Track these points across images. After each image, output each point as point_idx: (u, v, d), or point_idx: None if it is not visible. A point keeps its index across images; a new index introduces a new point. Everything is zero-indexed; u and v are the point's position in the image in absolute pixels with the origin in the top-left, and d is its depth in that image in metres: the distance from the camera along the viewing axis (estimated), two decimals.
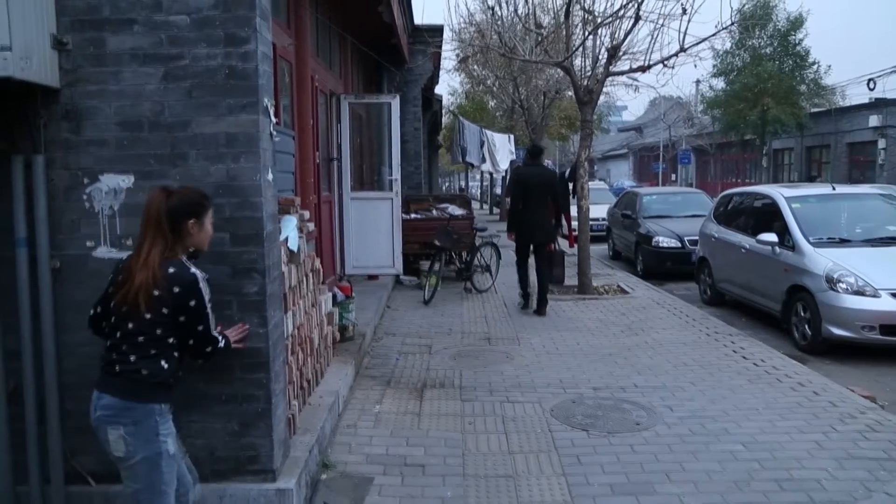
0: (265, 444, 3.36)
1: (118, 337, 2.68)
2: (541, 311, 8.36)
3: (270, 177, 3.44)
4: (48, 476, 3.29)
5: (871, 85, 26.66)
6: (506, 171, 16.61)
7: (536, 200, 8.34)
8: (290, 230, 4.23)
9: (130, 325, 2.65)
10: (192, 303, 2.69)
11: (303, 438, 3.93)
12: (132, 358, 2.65)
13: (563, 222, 9.20)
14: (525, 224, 8.41)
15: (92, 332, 2.88)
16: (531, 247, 8.61)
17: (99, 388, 2.69)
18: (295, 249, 4.28)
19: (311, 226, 5.33)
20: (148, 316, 2.63)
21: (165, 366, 2.70)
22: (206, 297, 2.74)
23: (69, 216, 3.27)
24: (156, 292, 2.62)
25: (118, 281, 2.71)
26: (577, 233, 10.22)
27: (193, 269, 2.73)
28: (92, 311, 2.85)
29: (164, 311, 2.65)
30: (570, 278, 10.61)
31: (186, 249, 2.78)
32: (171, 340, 2.71)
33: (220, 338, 2.86)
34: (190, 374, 3.31)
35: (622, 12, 9.32)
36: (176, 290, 2.65)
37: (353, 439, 4.53)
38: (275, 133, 3.57)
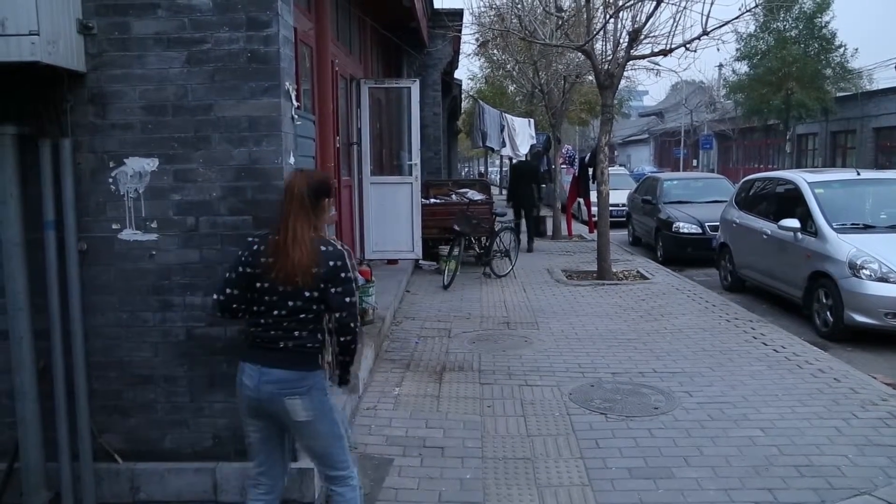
0: None
1: (278, 315, 2.73)
2: (529, 249, 12.71)
3: (292, 160, 3.47)
4: (77, 453, 3.37)
5: None
6: (526, 156, 16.54)
7: (524, 182, 13.14)
8: None
9: (291, 303, 2.71)
10: (344, 275, 2.76)
11: None
12: (297, 333, 2.74)
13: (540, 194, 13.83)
14: (517, 197, 13.26)
15: (220, 315, 2.85)
16: (522, 211, 13.26)
17: (264, 363, 2.73)
18: None
19: (332, 210, 5.35)
20: (307, 293, 2.70)
21: (321, 339, 2.81)
22: (353, 271, 2.82)
23: (95, 199, 3.33)
24: (314, 269, 2.69)
25: (263, 262, 2.72)
26: (596, 218, 10.19)
27: (339, 244, 2.81)
28: (219, 296, 2.80)
29: (322, 286, 2.72)
30: (590, 264, 10.59)
31: (321, 226, 2.83)
32: (324, 315, 2.80)
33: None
34: (213, 356, 3.39)
35: None
36: (331, 264, 2.73)
37: (373, 421, 4.59)
38: (296, 117, 3.60)
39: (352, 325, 2.80)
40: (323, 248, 2.73)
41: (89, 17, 3.23)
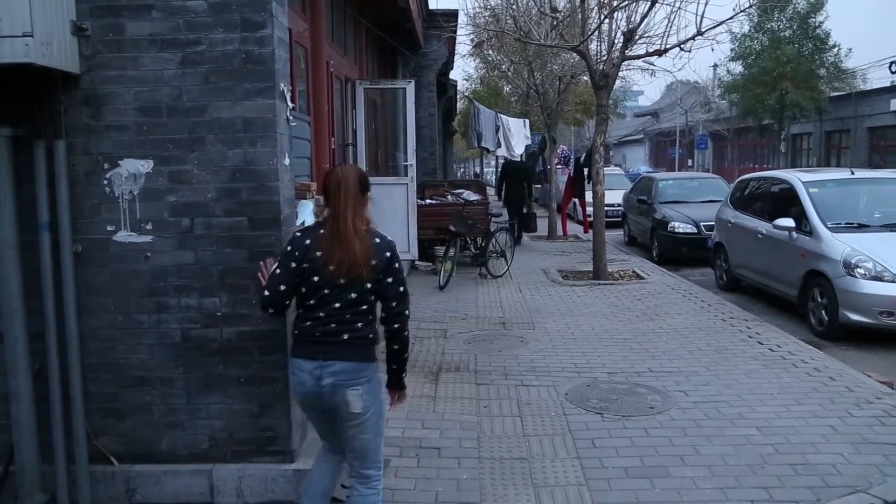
0: (283, 426, 3.42)
1: (339, 307, 2.76)
2: (518, 242, 13.01)
3: (287, 161, 3.47)
4: (73, 456, 3.36)
5: (893, 68, 26.13)
6: (521, 156, 16.58)
7: (515, 181, 13.94)
8: (307, 215, 4.26)
9: (353, 295, 2.76)
10: (397, 265, 2.84)
11: None
12: (358, 325, 2.80)
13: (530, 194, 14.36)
14: (507, 195, 14.03)
15: (270, 312, 2.84)
16: (512, 207, 13.91)
17: (325, 357, 2.77)
18: None
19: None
20: (368, 285, 2.77)
21: (376, 330, 2.89)
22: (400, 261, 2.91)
23: (90, 201, 3.33)
24: (373, 261, 2.76)
25: (318, 256, 2.74)
26: (591, 218, 10.19)
27: (386, 236, 2.89)
28: (271, 292, 2.79)
29: (378, 277, 2.78)
30: (585, 264, 10.60)
31: (367, 219, 2.88)
32: (378, 305, 2.87)
33: None
34: (209, 358, 3.38)
35: None
36: (387, 255, 2.80)
37: None
38: (291, 118, 3.60)
39: (406, 312, 2.87)
40: (377, 240, 2.80)
41: (83, 18, 3.22)
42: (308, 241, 2.78)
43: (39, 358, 3.32)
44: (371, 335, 2.85)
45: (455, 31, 13.36)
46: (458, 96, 23.12)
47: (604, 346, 6.29)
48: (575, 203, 16.49)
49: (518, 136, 16.40)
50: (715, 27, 8.99)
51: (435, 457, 4.10)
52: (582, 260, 11.43)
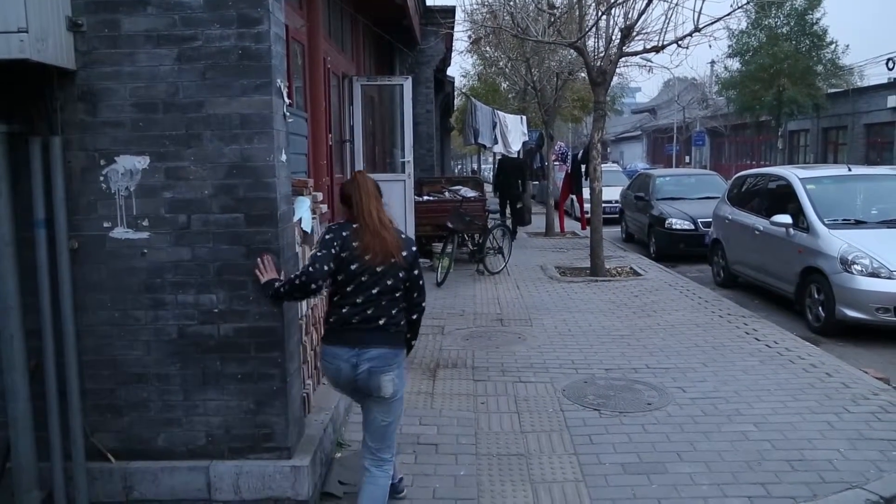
0: (280, 423, 3.41)
1: (376, 293, 3.01)
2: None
3: (284, 158, 3.46)
4: (69, 453, 3.35)
5: (890, 65, 26.22)
6: (518, 153, 16.57)
7: (511, 177, 14.26)
8: (304, 211, 4.25)
9: (389, 281, 3.03)
10: (419, 259, 3.18)
11: (317, 417, 3.98)
12: (393, 311, 3.07)
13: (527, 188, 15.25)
14: (502, 189, 14.45)
15: (311, 285, 2.97)
16: (507, 201, 14.39)
17: (362, 344, 3.00)
18: (309, 230, 4.31)
19: (325, 207, 5.35)
20: (401, 273, 3.06)
21: (405, 319, 3.16)
22: None
23: (86, 197, 3.31)
24: (404, 252, 3.06)
25: (356, 246, 2.99)
26: (589, 215, 10.19)
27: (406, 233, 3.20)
28: (316, 265, 2.96)
29: (408, 267, 3.09)
30: (583, 260, 10.61)
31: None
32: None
33: None
34: (205, 354, 3.38)
35: None
36: (413, 248, 3.14)
37: None
38: (288, 114, 3.58)
39: (424, 304, 3.25)
40: (402, 235, 3.12)
41: (79, 14, 3.20)
42: (346, 233, 3.03)
43: (36, 355, 3.31)
44: (402, 322, 3.11)
45: (452, 28, 13.34)
46: (455, 93, 23.08)
47: (601, 343, 6.30)
48: (572, 200, 16.50)
49: (515, 132, 16.38)
50: (712, 24, 9.00)
51: (432, 453, 4.10)
52: (579, 256, 11.44)
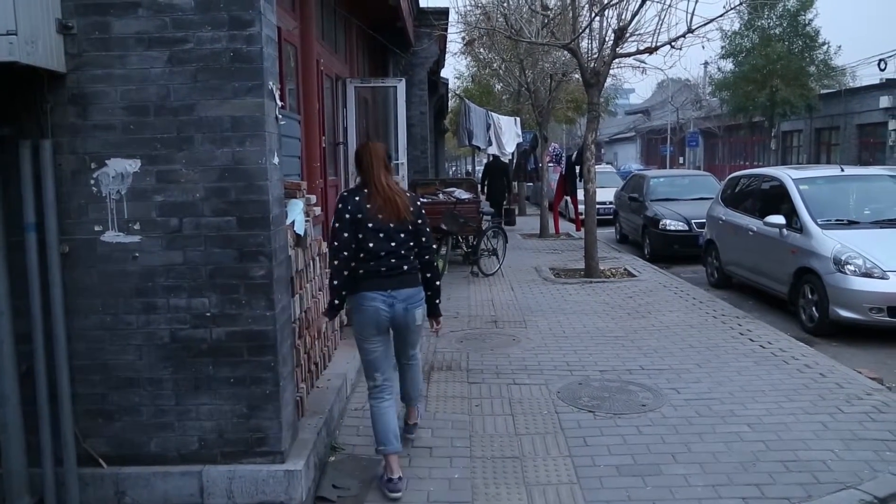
0: (273, 426, 3.39)
1: (394, 245, 3.64)
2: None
3: (276, 160, 3.44)
4: (61, 458, 3.33)
5: (882, 65, 26.31)
6: (512, 155, 16.60)
7: (497, 179, 15.49)
8: (297, 214, 4.24)
9: (402, 235, 3.65)
10: (423, 211, 3.79)
11: (311, 421, 3.96)
12: (411, 257, 3.72)
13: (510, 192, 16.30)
14: (490, 191, 15.52)
15: (342, 255, 3.59)
16: (494, 202, 15.25)
17: (394, 287, 3.65)
18: (301, 233, 4.30)
19: (318, 210, 5.33)
20: (410, 227, 3.68)
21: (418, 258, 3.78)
22: None
23: (77, 201, 3.29)
24: (411, 208, 3.68)
25: (370, 207, 3.59)
26: (583, 216, 10.20)
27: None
28: (337, 239, 3.59)
29: (415, 220, 3.70)
30: (577, 261, 10.61)
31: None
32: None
33: None
34: (198, 358, 3.36)
35: None
36: (418, 203, 3.77)
37: (361, 422, 4.56)
38: (280, 117, 3.57)
39: (433, 246, 3.87)
40: (408, 194, 3.73)
41: (69, 16, 3.18)
42: (357, 198, 3.62)
43: (26, 359, 3.28)
44: (418, 265, 3.75)
45: (446, 30, 13.36)
46: (449, 94, 23.09)
47: (595, 344, 6.29)
48: (567, 201, 16.51)
49: (509, 134, 16.39)
50: (705, 25, 9.02)
51: (426, 456, 4.09)
52: (574, 258, 11.45)
